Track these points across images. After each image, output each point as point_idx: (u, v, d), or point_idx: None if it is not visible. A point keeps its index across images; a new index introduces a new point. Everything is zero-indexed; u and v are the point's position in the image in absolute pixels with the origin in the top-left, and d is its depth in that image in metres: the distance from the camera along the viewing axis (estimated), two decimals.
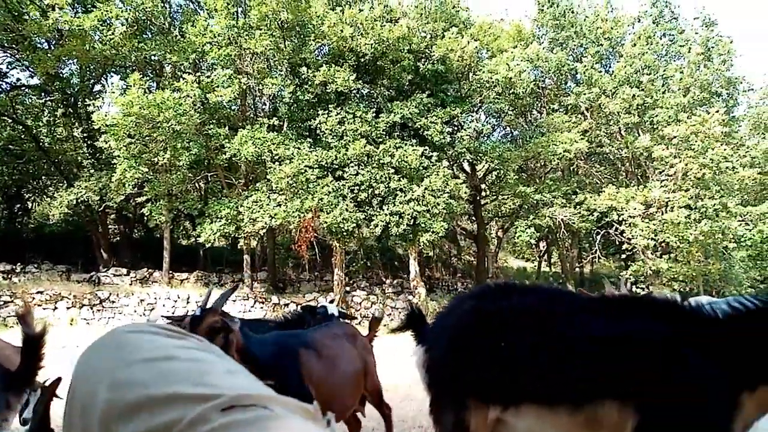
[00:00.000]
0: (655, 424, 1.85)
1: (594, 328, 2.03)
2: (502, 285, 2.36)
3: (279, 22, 17.65)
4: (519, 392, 2.06)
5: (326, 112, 17.95)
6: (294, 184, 17.09)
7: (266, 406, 0.78)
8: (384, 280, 22.65)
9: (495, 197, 24.01)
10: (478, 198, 23.51)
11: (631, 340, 1.97)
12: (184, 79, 17.22)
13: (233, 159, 17.90)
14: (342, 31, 17.66)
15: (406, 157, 17.60)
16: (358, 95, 19.50)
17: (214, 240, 17.77)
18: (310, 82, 17.87)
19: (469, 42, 19.30)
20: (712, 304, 2.16)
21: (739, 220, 21.31)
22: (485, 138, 22.87)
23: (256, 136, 17.24)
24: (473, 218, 24.95)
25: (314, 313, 5.24)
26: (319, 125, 18.04)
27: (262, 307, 18.50)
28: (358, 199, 17.71)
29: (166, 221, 18.51)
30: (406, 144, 18.25)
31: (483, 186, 23.69)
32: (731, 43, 22.73)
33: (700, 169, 20.22)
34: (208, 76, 18.16)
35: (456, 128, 20.95)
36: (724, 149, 20.35)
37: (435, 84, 20.11)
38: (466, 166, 23.74)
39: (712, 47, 22.56)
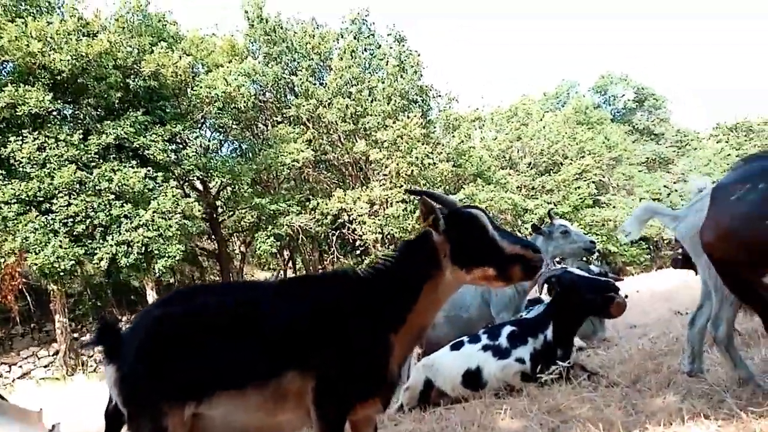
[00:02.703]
0: (330, 381, 2.26)
1: (273, 309, 2.39)
2: (189, 288, 2.77)
3: None
4: (211, 385, 2.26)
5: (20, 138, 16.17)
6: None
7: None
8: (120, 318, 21.17)
9: (232, 212, 24.45)
10: (215, 215, 23.66)
11: (302, 313, 2.35)
12: None
13: None
14: (28, 45, 16.13)
15: (127, 180, 17.01)
16: (59, 117, 17.99)
17: None
18: None
19: (181, 57, 19.46)
20: None
21: None
22: (213, 154, 23.18)
23: None
24: (213, 237, 24.93)
25: None
26: (12, 154, 16.10)
27: None
28: (75, 233, 16.46)
29: None
30: (125, 166, 17.58)
31: (218, 202, 23.93)
32: (419, 56, 27.24)
33: (409, 167, 23.95)
34: None
35: (180, 146, 20.85)
36: (425, 148, 24.41)
37: (150, 101, 19.75)
38: (197, 184, 23.65)
39: (405, 60, 26.75)
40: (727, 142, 50.08)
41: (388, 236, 24.43)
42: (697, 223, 3.57)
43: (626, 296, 4.58)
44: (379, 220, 23.55)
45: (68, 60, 16.78)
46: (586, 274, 4.71)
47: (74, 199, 16.47)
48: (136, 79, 18.89)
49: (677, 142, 46.31)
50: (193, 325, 2.34)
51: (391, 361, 2.32)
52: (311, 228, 23.27)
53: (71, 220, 16.37)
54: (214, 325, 2.33)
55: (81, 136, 17.24)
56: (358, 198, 23.75)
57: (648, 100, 46.34)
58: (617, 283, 5.72)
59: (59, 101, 17.25)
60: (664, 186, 39.85)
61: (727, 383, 3.47)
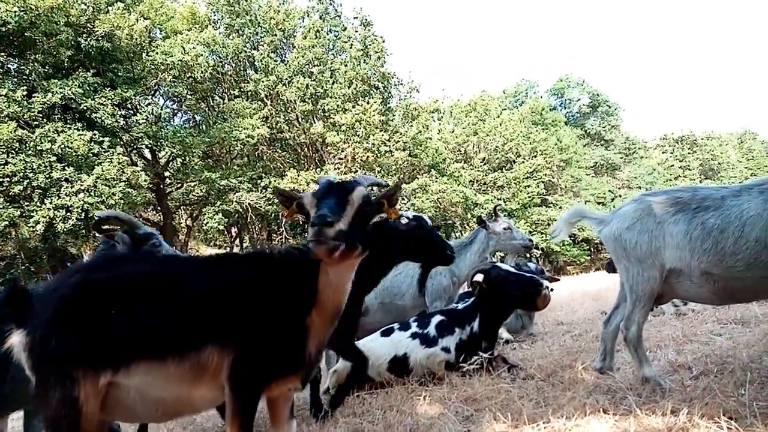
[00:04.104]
0: (246, 358, 2.30)
1: (196, 283, 2.41)
2: (114, 255, 2.71)
3: None
4: (129, 353, 2.25)
5: None
6: None
7: None
8: None
9: (181, 185, 23.90)
10: (161, 186, 23.08)
11: (223, 289, 2.39)
12: None
13: None
14: None
15: (71, 143, 16.42)
16: (2, 70, 17.13)
17: None
18: None
19: (138, 20, 18.80)
20: None
21: None
22: (165, 123, 22.53)
23: None
24: (159, 208, 24.34)
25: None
26: None
27: None
28: (11, 193, 15.76)
29: None
30: (70, 128, 16.93)
31: (167, 173, 23.35)
32: (383, 43, 27.17)
33: (365, 153, 23.96)
34: None
35: (131, 112, 20.21)
36: (383, 135, 24.44)
37: (102, 62, 19.05)
38: (146, 152, 22.99)
39: (369, 45, 26.64)
40: (672, 153, 52.37)
41: None
42: (620, 228, 3.79)
43: (551, 289, 4.77)
44: None
45: (15, 11, 15.95)
46: (514, 270, 4.90)
47: (12, 157, 15.77)
48: (89, 39, 18.13)
49: (625, 150, 48.04)
50: (113, 292, 2.31)
51: (307, 341, 2.38)
52: (261, 206, 23.01)
53: (8, 179, 15.69)
54: (134, 294, 2.32)
55: (25, 93, 16.45)
56: (312, 180, 23.59)
57: (601, 107, 47.79)
58: (551, 284, 6.01)
59: (3, 54, 16.42)
60: (609, 191, 41.33)
61: (631, 381, 3.71)
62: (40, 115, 16.66)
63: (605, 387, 3.67)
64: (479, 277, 4.82)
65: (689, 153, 51.85)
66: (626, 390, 3.52)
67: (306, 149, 26.26)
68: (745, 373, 3.31)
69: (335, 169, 24.28)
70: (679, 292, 3.78)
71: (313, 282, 2.38)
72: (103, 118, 17.52)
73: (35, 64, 17.40)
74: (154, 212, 25.36)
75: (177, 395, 2.34)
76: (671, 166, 50.03)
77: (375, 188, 2.70)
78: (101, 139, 17.44)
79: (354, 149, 23.95)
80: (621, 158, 46.85)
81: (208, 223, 21.72)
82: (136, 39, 19.08)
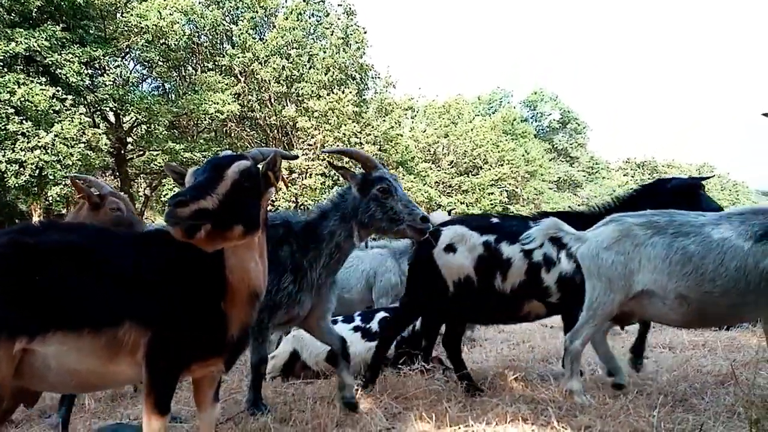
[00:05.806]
0: (163, 339, 2.29)
1: (115, 258, 2.39)
2: (46, 222, 2.65)
3: None
4: (46, 322, 2.23)
5: None
6: None
7: None
8: None
9: (143, 152, 23.37)
10: (123, 152, 22.54)
11: (140, 267, 2.38)
12: None
13: None
14: None
15: (32, 97, 15.86)
16: None
17: None
18: None
19: None
20: None
21: None
22: (133, 87, 21.97)
23: None
24: (117, 174, 23.75)
25: None
26: None
27: None
28: None
29: None
30: (32, 81, 16.35)
31: (129, 139, 22.80)
32: (365, 34, 27.10)
33: (335, 142, 23.84)
34: None
35: (98, 72, 19.64)
36: (355, 126, 24.39)
37: (73, 17, 18.46)
38: (110, 115, 22.39)
39: (350, 34, 26.52)
40: (632, 177, 53.89)
41: (302, 207, 24.33)
42: (599, 247, 3.85)
43: None
44: (295, 189, 23.39)
45: None
46: None
47: None
48: None
49: (589, 168, 49.24)
50: (39, 258, 2.29)
51: (227, 324, 2.37)
52: None
53: None
54: (59, 262, 2.30)
55: None
56: None
57: (570, 124, 48.85)
58: None
59: None
60: (569, 207, 42.29)
61: (555, 394, 3.87)
62: (1, 64, 16.02)
63: (530, 397, 3.83)
64: None
65: (649, 178, 53.37)
66: (549, 402, 3.67)
67: (276, 131, 26.00)
68: (659, 396, 3.50)
69: (303, 154, 24.13)
70: (648, 312, 3.85)
71: (221, 264, 2.35)
72: (68, 75, 16.96)
73: (0, 9, 16.72)
74: (112, 177, 24.72)
75: (93, 368, 2.32)
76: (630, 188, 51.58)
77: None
78: (64, 96, 16.88)
79: (324, 137, 23.85)
80: (584, 176, 48.00)
81: (167, 194, 21.29)
82: None
